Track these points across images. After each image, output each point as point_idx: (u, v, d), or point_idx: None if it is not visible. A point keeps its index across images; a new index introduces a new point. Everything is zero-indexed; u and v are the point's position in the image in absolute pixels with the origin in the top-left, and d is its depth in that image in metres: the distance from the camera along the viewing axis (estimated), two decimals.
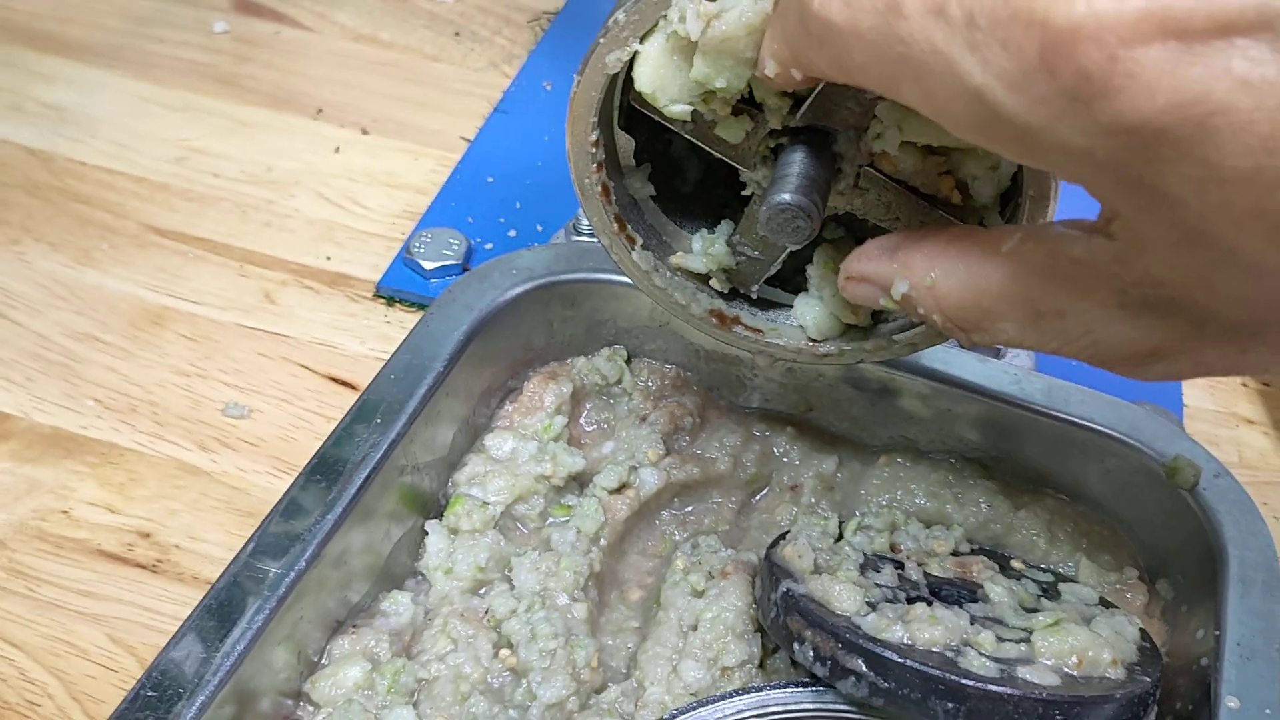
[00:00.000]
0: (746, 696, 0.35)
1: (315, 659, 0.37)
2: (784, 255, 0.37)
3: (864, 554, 0.39)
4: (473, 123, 0.63)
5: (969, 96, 0.21)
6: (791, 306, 0.39)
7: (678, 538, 0.44)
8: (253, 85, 0.65)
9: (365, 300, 0.54)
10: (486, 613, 0.39)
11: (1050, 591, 0.40)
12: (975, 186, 0.34)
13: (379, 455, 0.38)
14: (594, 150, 0.35)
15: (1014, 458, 0.44)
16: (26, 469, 0.45)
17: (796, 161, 0.33)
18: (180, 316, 0.52)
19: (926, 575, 0.39)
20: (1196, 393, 0.53)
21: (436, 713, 0.35)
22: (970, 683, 0.32)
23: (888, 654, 0.33)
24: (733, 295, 0.40)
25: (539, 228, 0.56)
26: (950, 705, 0.32)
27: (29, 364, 0.49)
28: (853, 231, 0.38)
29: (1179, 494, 0.41)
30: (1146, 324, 0.24)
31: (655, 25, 0.32)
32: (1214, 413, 0.53)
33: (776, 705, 0.35)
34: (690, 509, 0.45)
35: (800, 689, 0.35)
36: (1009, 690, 0.32)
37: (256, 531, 0.36)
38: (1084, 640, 0.34)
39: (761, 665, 0.38)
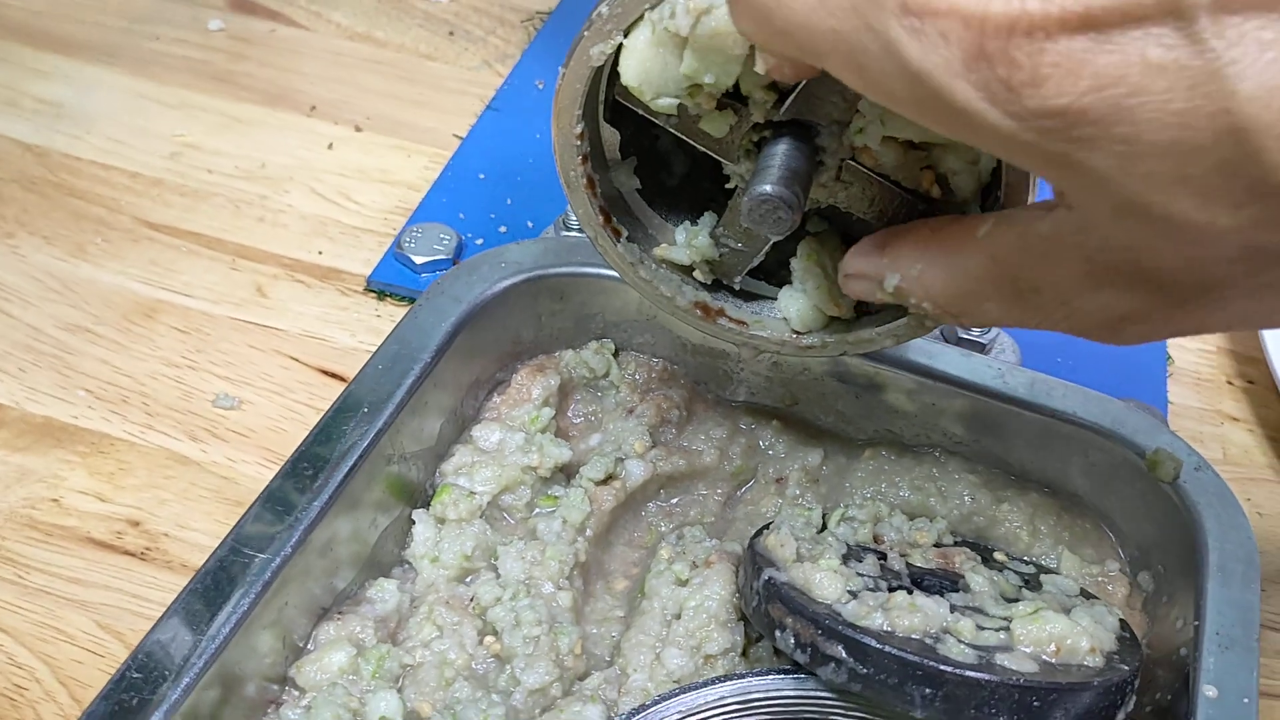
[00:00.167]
0: (728, 683, 0.36)
1: (301, 644, 0.37)
2: (767, 247, 0.38)
3: (847, 544, 0.39)
4: (465, 120, 0.64)
5: (909, 78, 0.23)
6: (775, 299, 0.39)
7: (663, 529, 0.44)
8: (248, 82, 0.65)
9: (356, 294, 0.54)
10: (472, 600, 0.39)
11: (1032, 583, 0.40)
12: (955, 181, 0.35)
13: (365, 444, 0.39)
14: (579, 143, 0.36)
15: (997, 451, 0.44)
16: (18, 458, 0.46)
17: (779, 154, 0.33)
18: (172, 309, 0.52)
19: (909, 566, 0.39)
20: (1181, 390, 0.54)
21: (421, 698, 0.36)
22: (948, 668, 0.32)
23: (867, 640, 0.33)
24: (717, 288, 0.40)
25: (529, 224, 0.57)
26: (928, 691, 0.32)
27: (21, 355, 0.50)
28: (836, 225, 0.39)
29: (1160, 487, 0.41)
30: (1114, 291, 0.25)
31: (640, 18, 0.32)
32: (1199, 410, 0.53)
33: (758, 692, 0.35)
34: (676, 501, 0.45)
35: (781, 676, 0.36)
36: (986, 676, 0.32)
37: (243, 518, 0.36)
38: (1062, 628, 0.34)
39: (744, 654, 0.38)
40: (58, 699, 0.39)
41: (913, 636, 0.34)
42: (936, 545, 0.41)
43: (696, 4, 0.30)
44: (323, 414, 0.39)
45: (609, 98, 0.36)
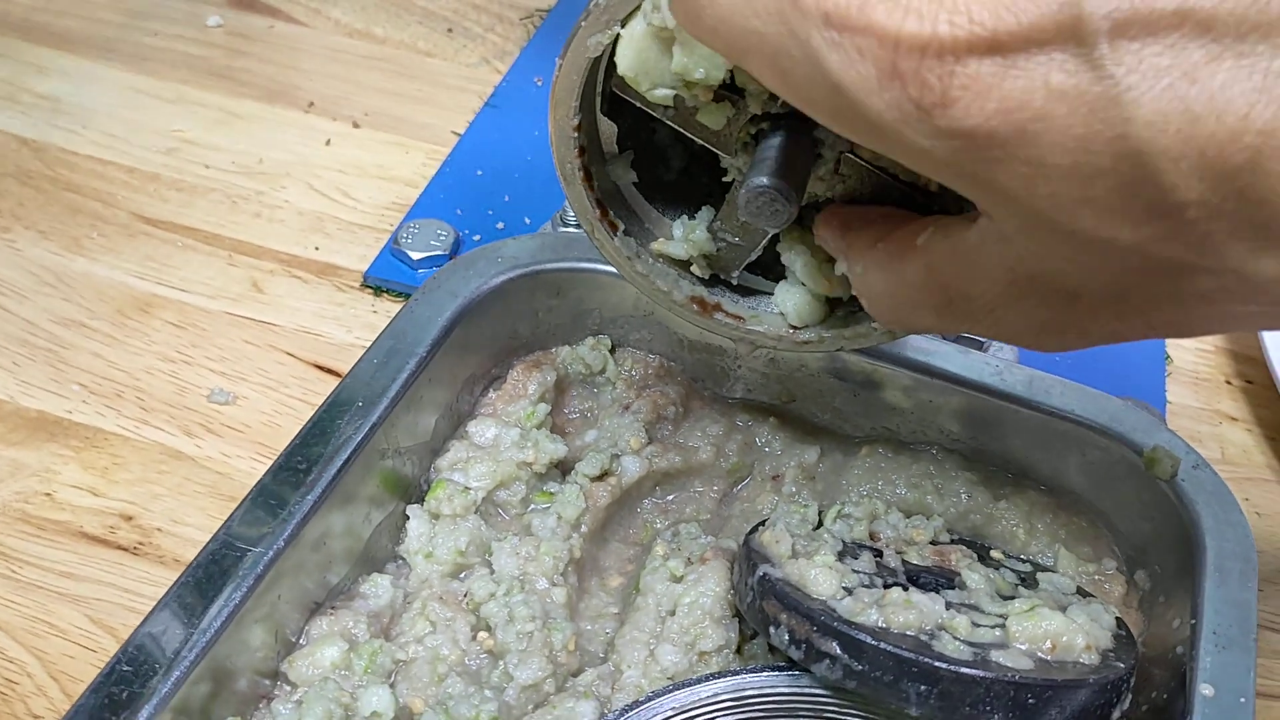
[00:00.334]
0: (722, 680, 0.35)
1: (293, 639, 0.37)
2: (764, 241, 0.38)
3: (843, 541, 0.39)
4: (464, 117, 0.64)
5: (829, 88, 0.23)
6: (772, 294, 0.39)
7: (659, 526, 0.44)
8: (246, 78, 0.65)
9: (353, 290, 0.54)
10: (466, 596, 0.39)
11: (1028, 581, 0.40)
12: None
13: (359, 439, 0.39)
14: (576, 135, 0.36)
15: (995, 449, 0.44)
16: (11, 452, 0.46)
17: (776, 146, 0.33)
18: (168, 304, 0.52)
19: (905, 563, 0.39)
20: (1180, 389, 0.54)
21: (413, 693, 0.36)
22: (943, 665, 0.32)
23: (862, 636, 0.33)
24: (714, 282, 0.40)
25: (527, 220, 0.57)
26: (923, 687, 0.32)
27: (15, 349, 0.50)
28: None
29: (1158, 485, 0.41)
30: (1033, 301, 0.26)
31: (636, 9, 0.32)
32: (1197, 409, 0.53)
33: (752, 689, 0.35)
34: (672, 497, 0.45)
35: (776, 673, 0.35)
36: (981, 673, 0.32)
37: (235, 511, 0.36)
38: (1058, 625, 0.34)
39: (739, 651, 0.38)
40: (49, 693, 0.38)
41: (908, 633, 0.33)
42: (933, 543, 0.41)
43: None
44: (316, 409, 0.39)
45: (606, 90, 0.36)
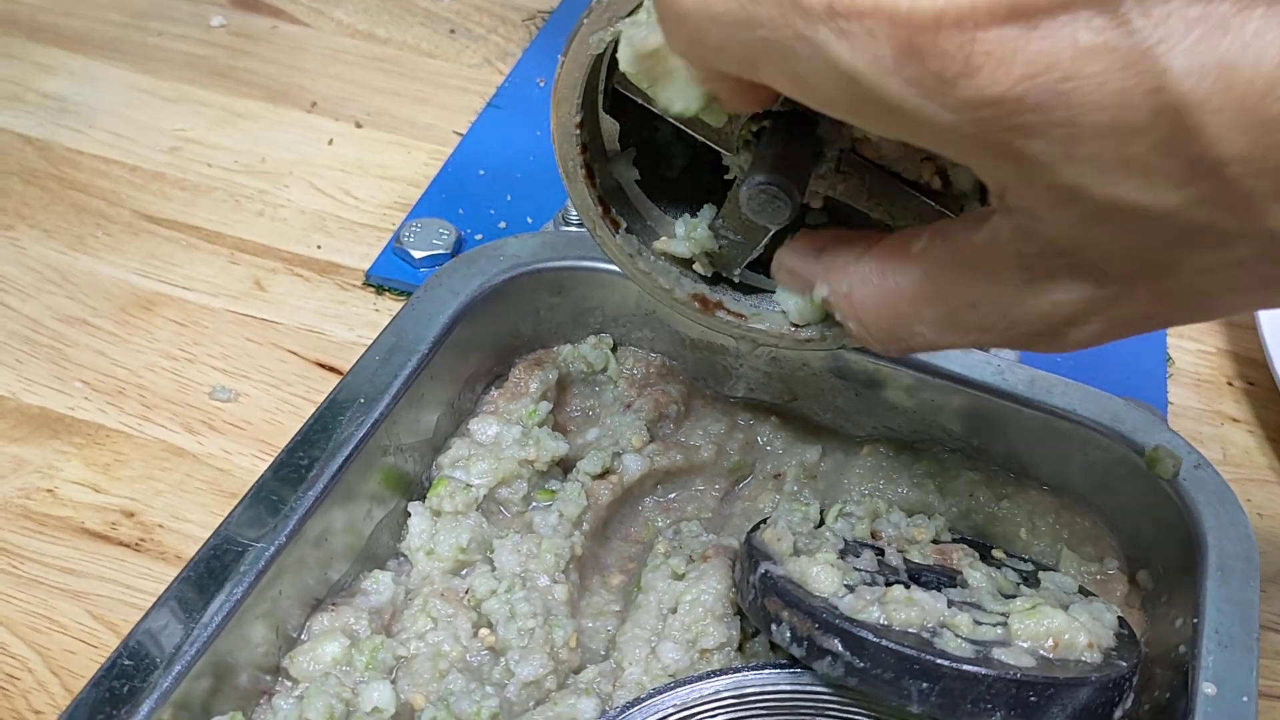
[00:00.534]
0: (723, 678, 0.35)
1: (294, 635, 0.37)
2: (766, 239, 0.38)
3: (844, 539, 0.39)
4: (466, 118, 0.64)
5: (842, 79, 0.23)
6: (774, 292, 0.39)
7: (660, 524, 0.44)
8: (249, 78, 0.65)
9: (355, 288, 0.54)
10: (467, 593, 0.39)
11: (1030, 580, 0.40)
12: (955, 174, 0.34)
13: (361, 435, 0.39)
14: (578, 132, 0.36)
15: (997, 448, 0.44)
16: (14, 448, 0.46)
17: (778, 144, 0.33)
18: (170, 302, 0.52)
19: (906, 562, 0.39)
20: (1181, 391, 0.53)
21: (414, 689, 0.36)
22: (944, 662, 0.32)
23: (863, 633, 0.33)
24: (716, 280, 0.40)
25: (529, 219, 0.57)
26: (925, 685, 0.32)
27: (19, 346, 0.50)
28: (836, 218, 0.38)
29: (1160, 485, 0.41)
30: (1057, 294, 0.25)
31: (639, 5, 0.32)
32: (1199, 410, 0.53)
33: (753, 686, 0.35)
34: (673, 496, 0.45)
35: (777, 670, 0.35)
36: (983, 670, 0.32)
37: (237, 506, 0.36)
38: (1060, 623, 0.34)
39: (741, 649, 0.38)
40: (50, 689, 0.38)
41: (909, 630, 0.33)
42: (934, 542, 0.41)
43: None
44: (318, 405, 0.39)
45: (608, 87, 0.36)
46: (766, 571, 0.36)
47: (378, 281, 0.54)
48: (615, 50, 0.33)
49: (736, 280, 0.40)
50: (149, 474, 0.45)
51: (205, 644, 0.33)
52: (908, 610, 0.34)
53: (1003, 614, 0.35)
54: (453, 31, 0.71)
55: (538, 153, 0.61)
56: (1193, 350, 0.56)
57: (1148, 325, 0.26)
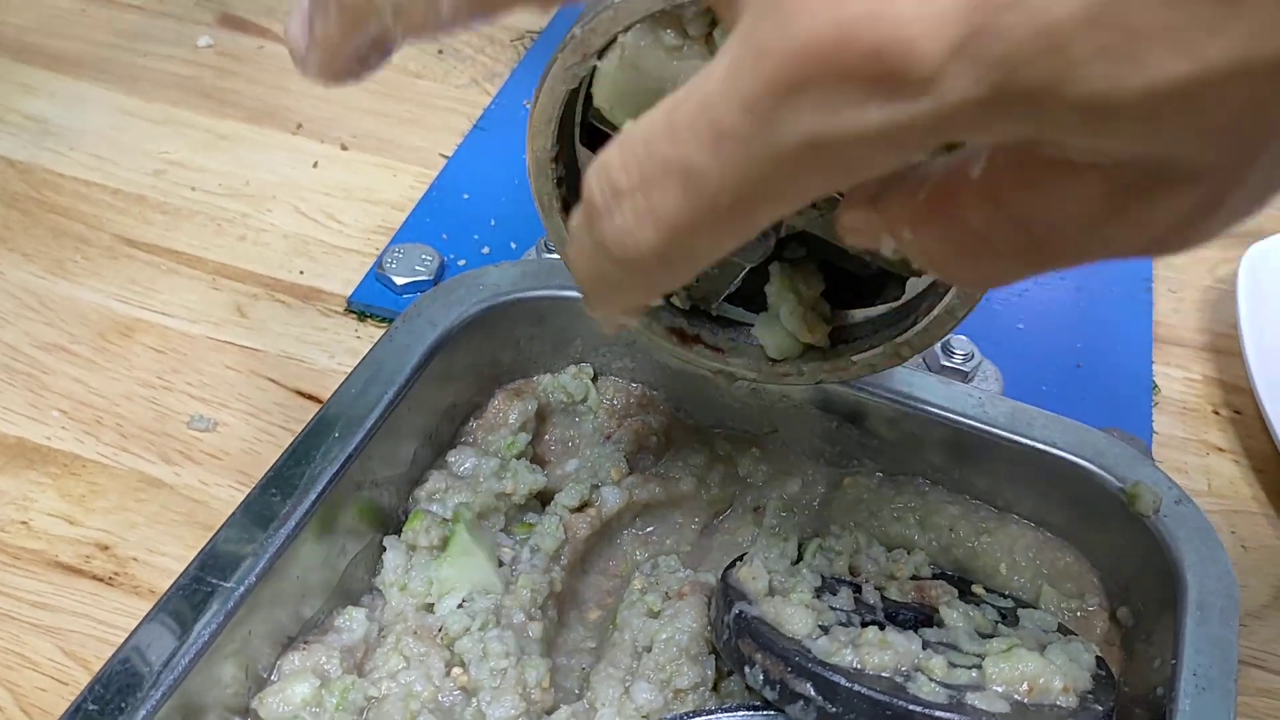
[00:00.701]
0: (696, 719, 0.35)
1: (264, 675, 0.36)
2: (743, 273, 0.37)
3: (822, 576, 0.39)
4: (452, 139, 0.64)
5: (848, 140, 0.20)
6: (753, 326, 0.39)
7: (639, 557, 0.43)
8: (234, 100, 0.65)
9: (336, 315, 0.54)
10: (440, 631, 0.38)
11: (1009, 618, 0.39)
12: None
13: (335, 469, 0.38)
14: (554, 165, 0.36)
15: (978, 482, 0.44)
16: None
17: None
18: (149, 328, 0.52)
19: (884, 599, 0.39)
20: (1166, 419, 0.53)
21: None
22: (917, 708, 0.32)
23: (836, 678, 0.32)
24: (694, 313, 0.40)
25: (513, 245, 0.57)
26: None
27: None
28: (814, 252, 0.38)
29: (1140, 521, 0.40)
30: (1155, 198, 0.21)
31: (613, 40, 0.32)
32: (1183, 440, 0.52)
33: None
34: (652, 529, 0.44)
35: (751, 713, 0.35)
36: (955, 716, 0.31)
37: (208, 544, 0.36)
38: (1036, 667, 0.34)
39: (715, 688, 0.38)
40: None
41: (883, 674, 0.33)
42: (914, 578, 0.41)
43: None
44: (295, 436, 0.39)
45: (584, 120, 0.36)
46: (741, 612, 0.36)
47: (360, 308, 0.54)
48: (590, 84, 0.33)
49: (715, 314, 0.40)
50: (124, 505, 0.45)
51: (173, 685, 0.33)
52: (881, 653, 0.33)
53: (979, 655, 0.35)
54: (440, 52, 0.71)
55: (522, 177, 0.60)
56: (1179, 378, 0.55)
57: (1247, 213, 0.22)
